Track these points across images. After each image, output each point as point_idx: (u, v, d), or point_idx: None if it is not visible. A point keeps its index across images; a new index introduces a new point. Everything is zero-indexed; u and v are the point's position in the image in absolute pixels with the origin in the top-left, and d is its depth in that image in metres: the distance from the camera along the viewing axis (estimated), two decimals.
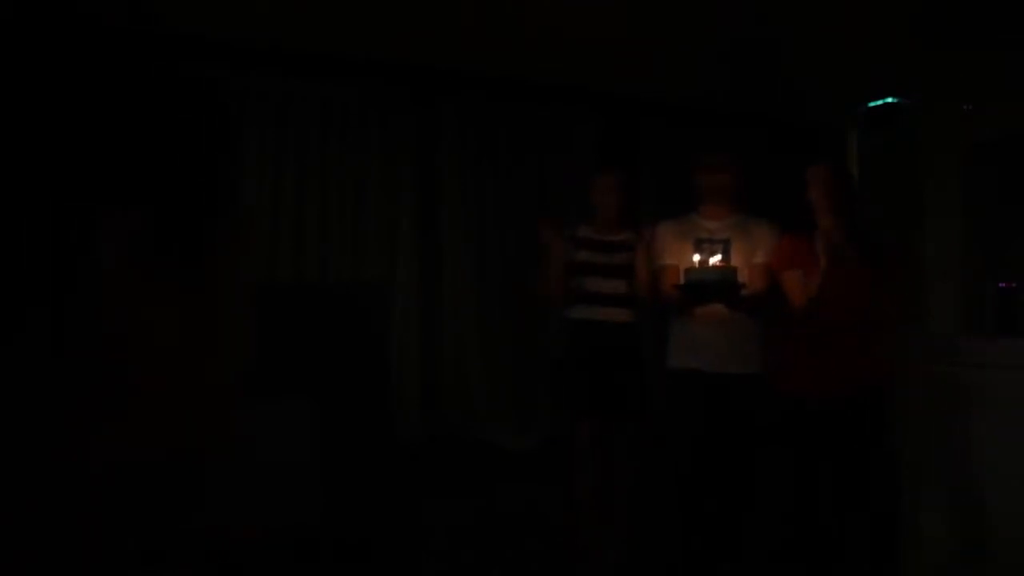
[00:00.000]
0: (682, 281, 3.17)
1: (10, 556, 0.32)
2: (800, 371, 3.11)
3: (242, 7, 3.26)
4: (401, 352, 3.99)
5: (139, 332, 0.36)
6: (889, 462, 3.12)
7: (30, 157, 0.34)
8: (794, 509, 3.17)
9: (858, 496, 3.04)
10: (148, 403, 0.37)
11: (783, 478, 3.21)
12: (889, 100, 4.07)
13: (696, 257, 3.22)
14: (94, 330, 0.35)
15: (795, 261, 3.16)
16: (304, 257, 3.85)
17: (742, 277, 3.17)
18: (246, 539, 2.92)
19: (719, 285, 3.12)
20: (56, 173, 0.34)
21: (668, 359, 3.34)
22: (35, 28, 0.36)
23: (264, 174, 3.78)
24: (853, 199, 3.17)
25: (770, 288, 3.21)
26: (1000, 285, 3.59)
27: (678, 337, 3.31)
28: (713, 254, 3.23)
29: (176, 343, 0.38)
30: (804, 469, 3.13)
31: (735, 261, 3.24)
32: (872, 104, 4.12)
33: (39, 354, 0.34)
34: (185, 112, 0.39)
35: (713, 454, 3.23)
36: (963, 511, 3.19)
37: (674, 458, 3.28)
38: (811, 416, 3.08)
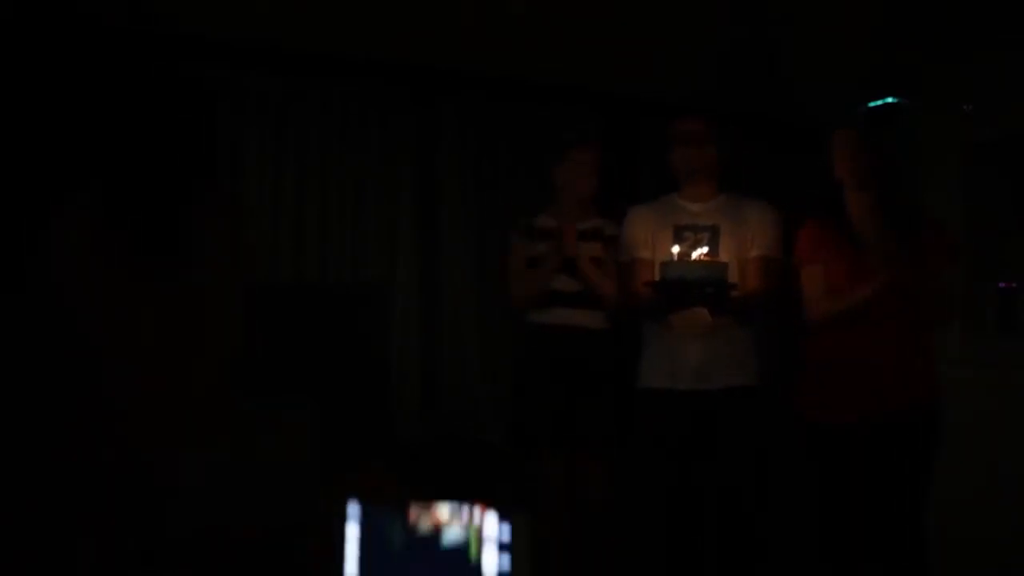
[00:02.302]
0: (656, 278, 2.59)
1: (7, 557, 0.32)
2: (823, 393, 2.54)
3: (242, 7, 3.26)
4: (401, 352, 3.99)
5: (110, 324, 0.34)
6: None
7: None
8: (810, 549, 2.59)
9: (889, 530, 2.48)
10: (123, 399, 0.35)
11: (799, 508, 2.69)
12: (889, 100, 4.07)
13: (675, 249, 2.61)
14: (60, 321, 0.33)
15: (817, 253, 2.57)
16: (304, 257, 3.85)
17: (732, 273, 2.59)
18: (246, 539, 2.92)
19: (703, 285, 2.53)
20: (22, 157, 0.33)
21: (639, 377, 2.74)
22: (16, 19, 0.35)
23: (264, 174, 3.78)
24: (890, 172, 2.57)
25: (770, 287, 2.68)
26: (1000, 285, 3.59)
27: (650, 350, 2.72)
28: (697, 244, 2.63)
29: (150, 337, 0.35)
30: (826, 502, 2.55)
31: (724, 252, 2.66)
32: (872, 104, 4.12)
33: (3, 347, 0.32)
34: (162, 98, 0.37)
35: (698, 486, 2.67)
36: (962, 512, 3.19)
37: (651, 494, 2.71)
38: (840, 442, 2.52)
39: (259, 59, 3.71)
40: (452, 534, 0.67)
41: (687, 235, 2.68)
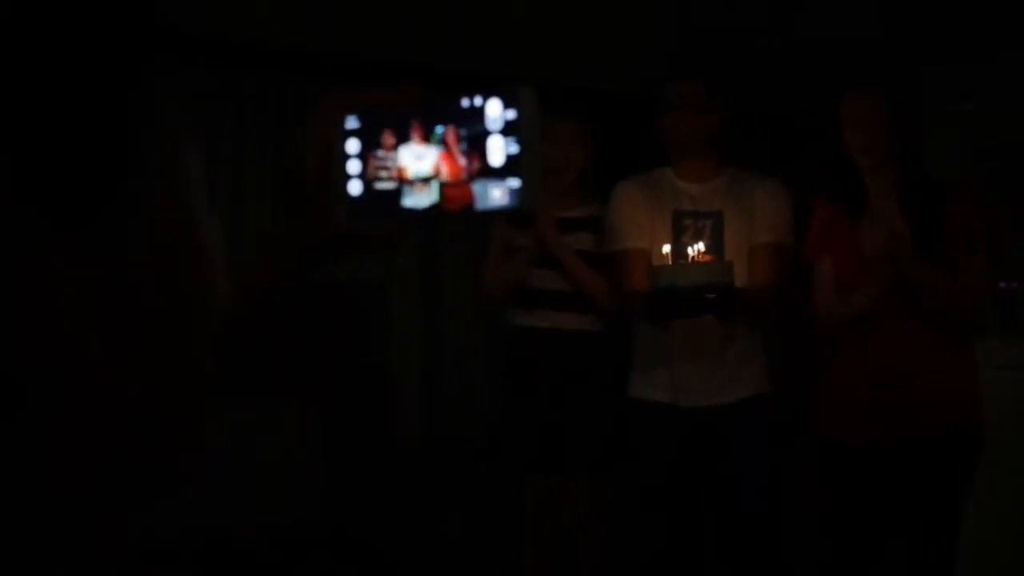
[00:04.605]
0: (651, 286, 2.19)
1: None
2: (844, 408, 2.19)
3: (242, 7, 3.26)
4: (401, 352, 3.99)
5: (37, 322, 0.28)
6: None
7: None
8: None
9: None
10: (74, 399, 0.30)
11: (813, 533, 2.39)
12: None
13: (666, 248, 2.19)
14: None
15: (827, 244, 2.21)
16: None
17: (740, 271, 2.19)
18: (245, 538, 2.92)
19: (702, 292, 2.12)
20: None
21: (631, 386, 2.38)
22: None
23: (263, 172, 3.78)
24: (913, 147, 2.18)
25: (782, 279, 2.28)
26: (1000, 285, 3.59)
27: (644, 357, 2.36)
28: (698, 236, 2.22)
29: (87, 333, 0.29)
30: (840, 532, 2.20)
31: (730, 243, 2.25)
32: None
33: None
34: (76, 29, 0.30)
35: (699, 513, 2.32)
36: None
37: (645, 521, 2.38)
38: (862, 465, 2.16)
39: (259, 59, 3.71)
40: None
41: (687, 223, 2.27)
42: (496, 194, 0.58)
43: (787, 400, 2.42)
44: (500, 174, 0.58)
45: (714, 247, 2.24)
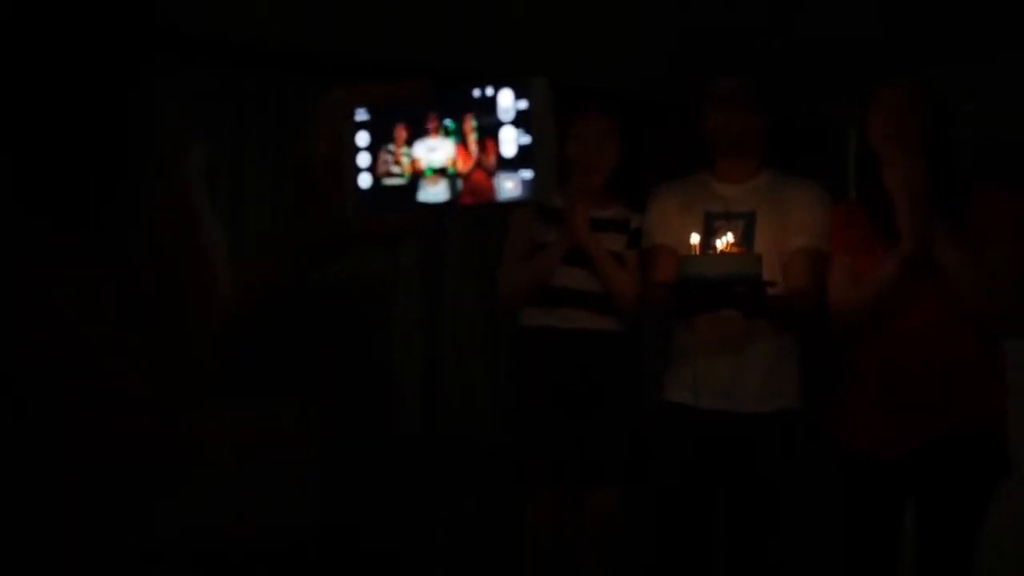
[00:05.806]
0: (678, 276, 2.12)
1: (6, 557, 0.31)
2: (864, 417, 2.08)
3: (242, 7, 3.26)
4: (401, 352, 3.99)
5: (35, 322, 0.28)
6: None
7: None
8: None
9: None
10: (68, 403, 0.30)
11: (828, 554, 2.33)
12: None
13: (694, 239, 2.10)
14: None
15: (847, 241, 2.12)
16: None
17: (770, 268, 2.10)
18: (245, 539, 2.93)
19: (729, 283, 2.01)
20: None
21: (661, 388, 2.35)
22: None
23: (263, 173, 3.78)
24: (944, 140, 2.07)
25: (819, 285, 2.17)
26: None
27: (670, 358, 2.33)
28: (727, 234, 2.14)
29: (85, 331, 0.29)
30: (857, 550, 2.10)
31: (762, 243, 2.17)
32: None
33: None
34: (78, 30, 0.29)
35: (707, 518, 2.25)
36: None
37: (655, 533, 2.29)
38: (883, 480, 2.05)
39: (259, 59, 3.72)
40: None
41: (719, 224, 2.20)
42: (508, 186, 0.57)
43: (809, 411, 2.34)
44: (512, 165, 0.57)
45: (744, 245, 2.18)
